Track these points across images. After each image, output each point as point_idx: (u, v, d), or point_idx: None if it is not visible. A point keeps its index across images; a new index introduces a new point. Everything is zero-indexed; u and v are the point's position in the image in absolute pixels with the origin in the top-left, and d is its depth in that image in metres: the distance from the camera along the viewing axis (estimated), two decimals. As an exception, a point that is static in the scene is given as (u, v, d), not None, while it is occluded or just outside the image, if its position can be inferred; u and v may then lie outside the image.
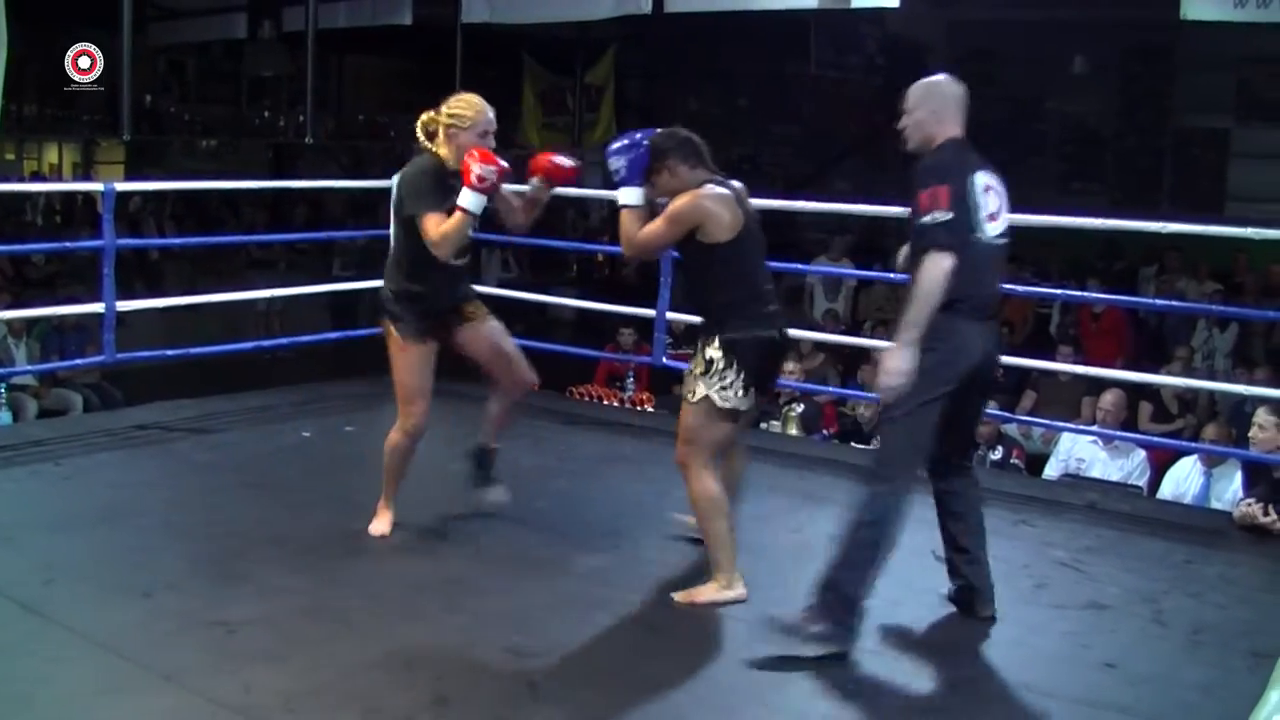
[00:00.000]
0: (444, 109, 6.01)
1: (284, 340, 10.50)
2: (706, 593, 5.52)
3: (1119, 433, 9.32)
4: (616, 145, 5.69)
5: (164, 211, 21.18)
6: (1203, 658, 5.06)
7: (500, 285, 13.11)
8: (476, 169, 5.66)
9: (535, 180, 6.24)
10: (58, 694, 4.47)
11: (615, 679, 4.77)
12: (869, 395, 10.49)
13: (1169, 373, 11.10)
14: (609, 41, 18.40)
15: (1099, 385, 10.02)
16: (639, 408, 10.91)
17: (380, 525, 6.25)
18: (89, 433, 8.21)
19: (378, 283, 9.40)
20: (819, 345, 12.06)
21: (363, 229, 10.57)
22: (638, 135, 5.69)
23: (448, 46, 13.51)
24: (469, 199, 5.70)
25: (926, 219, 5.04)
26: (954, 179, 5.11)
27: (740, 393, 5.45)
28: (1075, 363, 10.40)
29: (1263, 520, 6.86)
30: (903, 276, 5.46)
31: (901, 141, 5.38)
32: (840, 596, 5.06)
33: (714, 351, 5.46)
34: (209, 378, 8.91)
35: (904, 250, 5.49)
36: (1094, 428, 9.58)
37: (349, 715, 4.38)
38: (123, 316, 8.68)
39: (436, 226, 5.80)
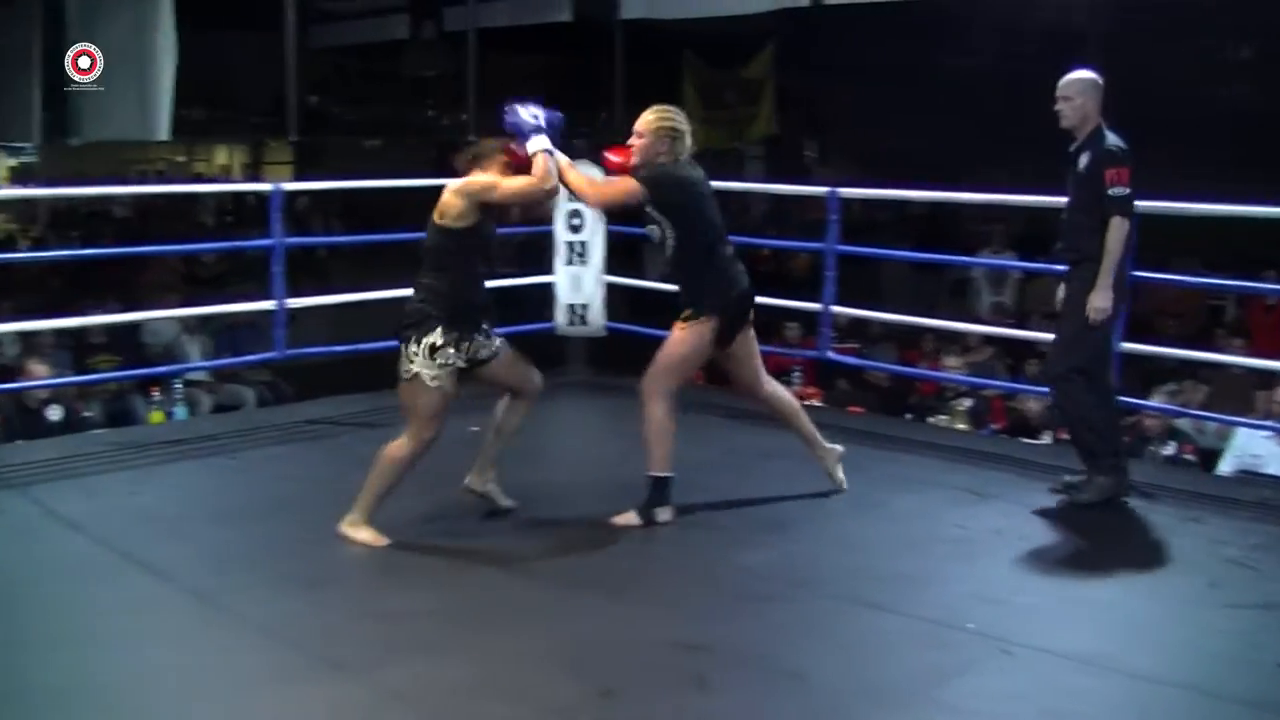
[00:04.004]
0: None
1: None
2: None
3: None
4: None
5: (331, 210, 21.47)
6: (1384, 660, 4.91)
7: (663, 280, 13.07)
8: None
9: None
10: (229, 682, 4.58)
11: (780, 672, 4.74)
12: (1037, 389, 10.35)
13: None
14: (768, 35, 18.33)
15: (1273, 379, 9.76)
16: (804, 402, 10.86)
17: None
18: (260, 427, 8.38)
19: (543, 279, 9.55)
20: (987, 339, 11.89)
21: (525, 225, 10.58)
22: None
23: (608, 42, 13.55)
24: None
25: (1116, 191, 6.54)
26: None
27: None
28: (1246, 355, 10.14)
29: None
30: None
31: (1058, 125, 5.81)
32: (1103, 458, 6.77)
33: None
34: (378, 373, 8.99)
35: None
36: (1270, 422, 9.31)
37: (515, 706, 4.42)
38: (292, 313, 8.82)
39: None
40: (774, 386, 6.92)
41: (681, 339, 6.41)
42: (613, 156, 6.58)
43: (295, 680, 4.57)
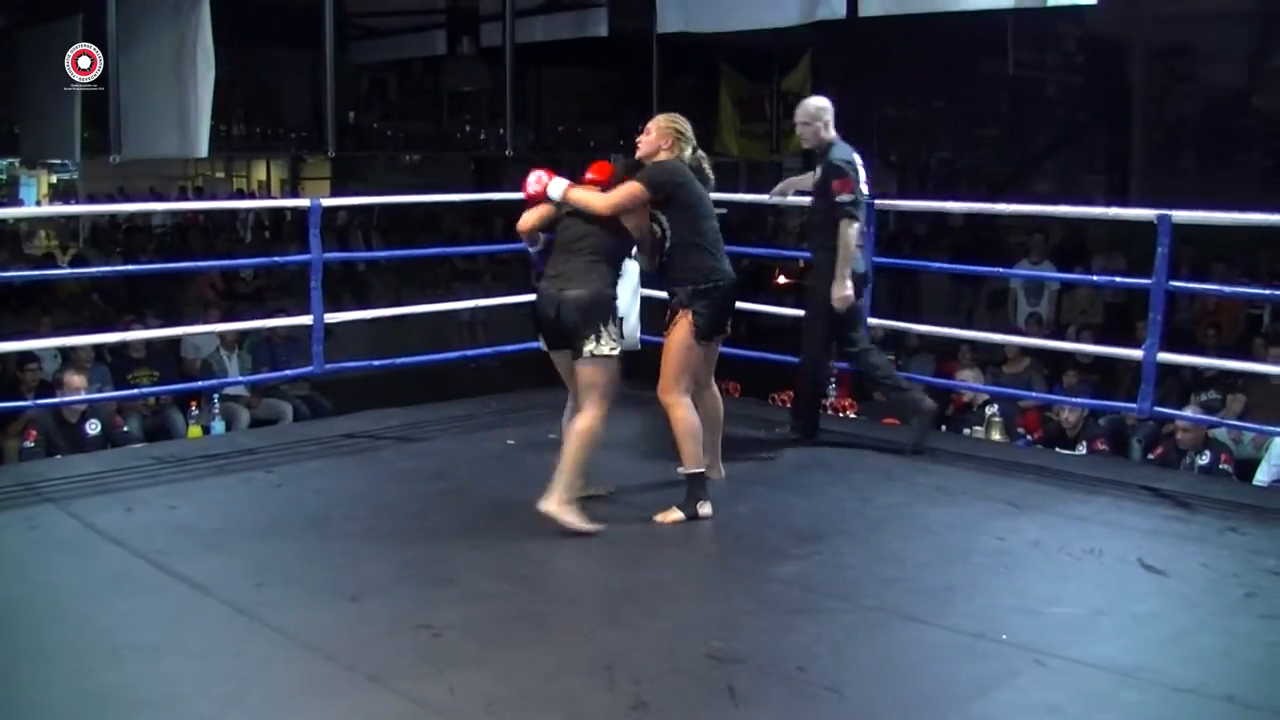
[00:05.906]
0: None
1: (488, 350, 10.63)
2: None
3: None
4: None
5: (369, 225, 21.55)
6: None
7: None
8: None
9: None
10: (267, 693, 4.61)
11: (815, 685, 4.73)
12: (1075, 400, 10.32)
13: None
14: (805, 47, 18.30)
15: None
16: (840, 414, 10.85)
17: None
18: (299, 441, 8.41)
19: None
20: (1024, 350, 11.87)
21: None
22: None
23: (644, 56, 13.54)
24: None
25: (843, 198, 7.69)
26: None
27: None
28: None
29: None
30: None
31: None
32: (916, 398, 8.17)
33: None
34: (415, 387, 9.05)
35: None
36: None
37: (550, 718, 4.44)
38: (330, 328, 8.86)
39: None
40: (715, 391, 7.19)
41: (676, 340, 6.69)
42: (590, 175, 6.84)
43: (331, 692, 4.60)
